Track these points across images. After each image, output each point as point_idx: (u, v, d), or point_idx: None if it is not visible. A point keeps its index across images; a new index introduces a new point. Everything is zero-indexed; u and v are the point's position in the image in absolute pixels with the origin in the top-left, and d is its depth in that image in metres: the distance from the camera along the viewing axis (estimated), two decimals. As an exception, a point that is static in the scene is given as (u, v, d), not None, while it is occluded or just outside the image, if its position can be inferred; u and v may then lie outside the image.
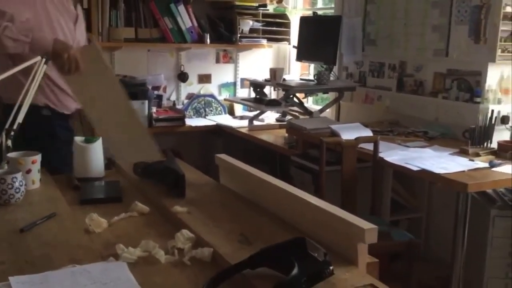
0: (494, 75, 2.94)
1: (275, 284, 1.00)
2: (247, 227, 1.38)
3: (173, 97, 4.35)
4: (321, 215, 1.29)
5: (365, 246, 1.19)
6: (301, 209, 1.36)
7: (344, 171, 2.61)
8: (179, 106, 4.29)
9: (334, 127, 2.91)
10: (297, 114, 3.71)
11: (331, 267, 1.04)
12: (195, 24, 4.11)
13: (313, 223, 1.32)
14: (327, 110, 3.80)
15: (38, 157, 1.67)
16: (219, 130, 4.01)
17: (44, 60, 1.87)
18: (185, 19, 4.05)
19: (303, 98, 3.88)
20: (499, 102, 2.94)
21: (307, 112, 3.59)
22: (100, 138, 1.88)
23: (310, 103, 4.35)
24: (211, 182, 1.84)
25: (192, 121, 4.13)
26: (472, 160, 2.57)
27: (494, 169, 2.46)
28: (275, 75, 3.71)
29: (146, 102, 3.85)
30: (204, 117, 4.32)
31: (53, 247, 1.25)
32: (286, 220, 1.42)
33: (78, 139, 1.87)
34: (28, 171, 1.65)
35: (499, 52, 2.83)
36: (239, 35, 4.20)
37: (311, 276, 1.03)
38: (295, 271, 1.03)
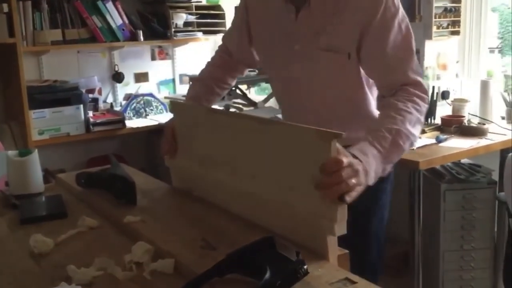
0: (432, 51, 2.98)
1: (249, 291, 0.93)
2: (207, 231, 1.30)
3: (109, 99, 4.16)
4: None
5: (335, 238, 1.14)
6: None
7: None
8: (117, 108, 4.11)
9: (281, 116, 2.86)
10: (241, 106, 3.64)
11: (305, 266, 0.98)
12: (126, 21, 3.94)
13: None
14: (271, 99, 3.75)
15: (-33, 178, 1.52)
16: (162, 130, 3.86)
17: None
18: (115, 17, 3.87)
19: (246, 89, 3.81)
20: (438, 78, 3.00)
21: (251, 103, 3.53)
22: (36, 150, 1.73)
23: (252, 93, 4.28)
24: (162, 186, 1.73)
25: (133, 123, 3.96)
26: (419, 137, 2.60)
27: (441, 144, 2.50)
28: (215, 68, 3.62)
29: (81, 106, 3.65)
30: (145, 117, 4.16)
31: (-5, 277, 1.12)
32: (248, 218, 1.35)
33: (11, 153, 1.71)
34: (-42, 194, 1.49)
35: (434, 28, 2.88)
36: (173, 30, 4.06)
37: (285, 278, 0.96)
38: (267, 274, 0.96)
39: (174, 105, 1.73)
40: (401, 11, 1.44)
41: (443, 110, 2.90)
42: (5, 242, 1.32)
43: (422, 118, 1.36)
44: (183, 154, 1.64)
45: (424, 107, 1.36)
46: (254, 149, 1.31)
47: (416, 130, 1.32)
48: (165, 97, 4.27)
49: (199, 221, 1.38)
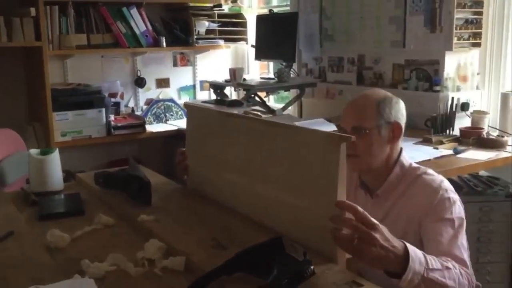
0: (452, 63, 2.97)
1: (255, 289, 0.95)
2: (219, 231, 1.32)
3: (131, 104, 4.23)
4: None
5: (344, 242, 1.15)
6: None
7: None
8: (138, 113, 4.18)
9: (298, 124, 2.87)
10: (259, 113, 3.66)
11: (311, 267, 1.00)
12: (150, 27, 4.01)
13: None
14: (290, 107, 3.77)
15: (-10, 173, 1.57)
16: (181, 134, 3.92)
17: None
18: (139, 23, 3.95)
19: (265, 97, 3.84)
20: (458, 89, 2.98)
21: (269, 110, 3.55)
22: (57, 149, 1.78)
23: (271, 101, 4.31)
24: (177, 187, 1.77)
25: (153, 127, 4.03)
26: (437, 148, 2.59)
27: (458, 155, 2.48)
28: (235, 75, 3.66)
29: (103, 110, 3.73)
30: (165, 122, 4.23)
31: (13, 268, 1.16)
32: (259, 220, 1.37)
33: (33, 151, 1.77)
34: (-20, 189, 1.54)
35: (455, 40, 2.86)
36: (195, 37, 4.12)
37: (291, 277, 0.98)
38: (274, 273, 0.98)
39: (189, 108, 1.77)
40: (457, 207, 1.47)
41: (463, 122, 2.87)
42: (24, 237, 1.36)
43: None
44: (197, 156, 1.67)
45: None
46: (265, 152, 1.34)
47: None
48: (185, 103, 4.31)
49: (211, 222, 1.41)
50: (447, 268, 1.25)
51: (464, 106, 2.93)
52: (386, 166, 1.56)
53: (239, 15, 4.36)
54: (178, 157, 1.75)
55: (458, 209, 1.47)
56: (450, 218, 1.43)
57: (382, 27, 3.27)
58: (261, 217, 1.36)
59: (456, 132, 2.77)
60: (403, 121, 1.57)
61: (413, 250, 1.17)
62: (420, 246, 1.45)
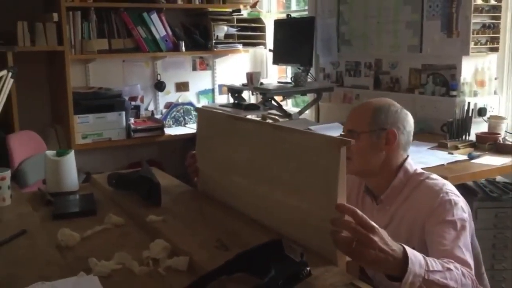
0: (469, 68, 2.95)
1: (251, 288, 0.98)
2: (223, 233, 1.35)
3: (151, 107, 4.30)
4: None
5: (344, 245, 1.16)
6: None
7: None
8: (158, 116, 4.25)
9: (313, 128, 2.89)
10: (276, 117, 3.70)
11: (308, 268, 1.01)
12: (170, 32, 4.07)
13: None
14: (306, 111, 3.79)
15: (7, 174, 1.62)
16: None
17: (10, 73, 1.83)
18: (159, 28, 4.02)
19: (282, 100, 3.86)
20: (475, 94, 2.95)
21: (286, 114, 3.57)
22: (72, 151, 1.83)
23: (289, 105, 4.34)
24: (188, 189, 1.80)
25: (172, 130, 4.09)
26: (451, 153, 2.58)
27: (473, 161, 2.47)
28: (252, 79, 3.69)
29: (124, 113, 3.80)
30: (184, 126, 4.28)
31: (22, 265, 1.20)
32: (265, 223, 1.39)
33: (49, 153, 1.82)
34: (-3, 189, 1.60)
35: (472, 44, 2.85)
36: (214, 41, 4.17)
37: (288, 278, 1.00)
38: (271, 274, 1.00)
39: (199, 112, 1.81)
40: (459, 209, 1.46)
41: (480, 127, 2.85)
42: (36, 235, 1.41)
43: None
44: (206, 159, 1.70)
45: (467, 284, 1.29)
46: (270, 155, 1.36)
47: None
48: (203, 107, 4.36)
49: (217, 223, 1.44)
50: (448, 269, 1.25)
51: (482, 111, 2.91)
52: (388, 172, 1.57)
53: (257, 20, 4.40)
54: (188, 160, 1.79)
55: (460, 211, 1.46)
56: (452, 220, 1.43)
57: (399, 32, 3.27)
58: (265, 219, 1.38)
59: (472, 137, 2.74)
60: (403, 130, 1.57)
61: (412, 253, 1.17)
62: (425, 250, 1.46)
